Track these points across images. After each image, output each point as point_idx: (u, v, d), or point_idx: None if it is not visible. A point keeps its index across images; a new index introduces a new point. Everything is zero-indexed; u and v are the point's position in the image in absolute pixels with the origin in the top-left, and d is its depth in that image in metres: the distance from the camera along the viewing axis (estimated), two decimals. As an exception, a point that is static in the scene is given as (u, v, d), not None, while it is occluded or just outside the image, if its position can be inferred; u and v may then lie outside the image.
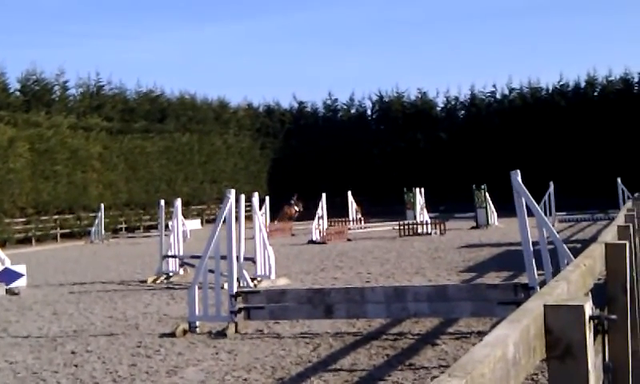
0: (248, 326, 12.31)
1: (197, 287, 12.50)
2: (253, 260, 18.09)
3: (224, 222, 12.98)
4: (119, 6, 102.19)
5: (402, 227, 33.72)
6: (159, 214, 22.58)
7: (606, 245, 4.26)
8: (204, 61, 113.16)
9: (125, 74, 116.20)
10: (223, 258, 13.08)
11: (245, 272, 16.08)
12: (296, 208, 45.66)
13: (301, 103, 67.51)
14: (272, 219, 37.77)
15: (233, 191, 13.36)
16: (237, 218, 14.54)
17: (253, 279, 16.93)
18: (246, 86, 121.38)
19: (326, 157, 61.53)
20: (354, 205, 40.70)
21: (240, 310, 12.15)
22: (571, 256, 10.45)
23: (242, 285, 15.19)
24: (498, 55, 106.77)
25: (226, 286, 12.95)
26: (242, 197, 16.92)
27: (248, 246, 18.14)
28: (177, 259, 20.70)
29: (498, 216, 36.53)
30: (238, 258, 14.68)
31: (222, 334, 11.89)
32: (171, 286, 18.83)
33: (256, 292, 12.85)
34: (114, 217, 49.33)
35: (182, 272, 20.55)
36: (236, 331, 11.98)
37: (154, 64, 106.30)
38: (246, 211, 19.84)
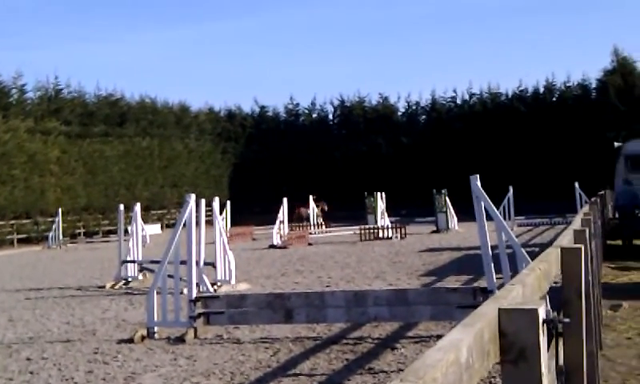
0: (207, 331, 12.22)
1: (155, 292, 12.38)
2: (213, 265, 17.98)
3: (184, 226, 12.88)
4: (78, 8, 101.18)
5: (362, 231, 33.81)
6: (118, 218, 22.35)
7: (562, 249, 4.29)
8: (165, 65, 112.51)
9: (84, 78, 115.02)
10: (183, 262, 12.97)
11: (205, 277, 15.96)
12: (321, 208, 44.58)
13: (262, 107, 67.45)
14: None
15: (193, 196, 13.27)
16: (197, 223, 14.43)
17: (213, 284, 16.81)
18: (207, 90, 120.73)
19: (287, 161, 61.47)
20: (316, 209, 40.70)
21: (199, 315, 12.07)
22: (529, 260, 10.53)
23: (201, 290, 15.06)
24: (458, 61, 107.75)
25: (185, 291, 12.85)
26: (203, 201, 16.81)
27: (208, 251, 18.03)
28: (136, 264, 20.48)
29: (458, 220, 36.79)
30: (197, 262, 14.56)
31: (180, 339, 11.80)
32: (130, 292, 18.64)
33: (216, 297, 12.77)
34: (72, 221, 48.73)
35: (141, 277, 20.35)
36: (195, 337, 11.89)
37: (114, 68, 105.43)
38: (206, 216, 19.74)
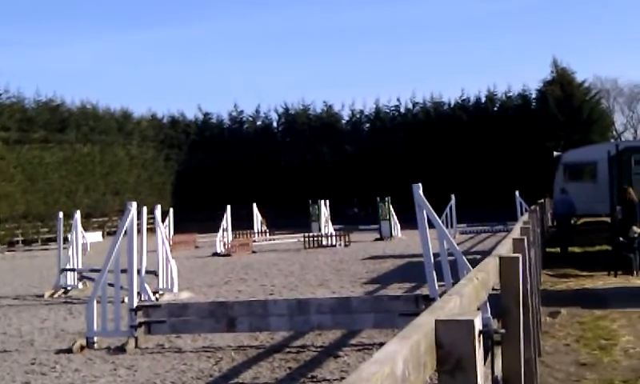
0: (148, 340, 12.07)
1: (96, 301, 12.20)
2: (155, 273, 17.78)
3: (125, 234, 12.71)
4: (18, 12, 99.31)
5: (306, 239, 33.81)
6: (58, 226, 21.95)
7: (500, 258, 4.35)
8: (106, 70, 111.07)
9: (23, 83, 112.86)
10: (124, 271, 12.81)
11: (146, 285, 15.77)
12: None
13: (206, 114, 67.01)
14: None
15: (134, 203, 13.12)
16: (139, 231, 14.26)
17: (154, 293, 16.63)
18: (149, 96, 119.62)
19: (231, 169, 61.16)
20: (259, 217, 40.58)
21: (140, 324, 11.92)
22: (470, 267, 10.64)
23: (142, 299, 14.88)
24: (402, 70, 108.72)
25: (126, 299, 12.68)
26: (145, 209, 16.62)
27: (150, 259, 17.81)
28: (75, 273, 20.14)
29: (402, 228, 37.05)
30: (139, 271, 14.37)
31: (121, 349, 11.63)
32: (69, 301, 18.31)
33: (157, 306, 12.63)
34: (11, 229, 47.71)
35: (80, 286, 20.01)
36: (136, 346, 11.73)
37: (55, 73, 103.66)
38: (149, 223, 19.51)
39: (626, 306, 13.50)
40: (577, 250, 25.91)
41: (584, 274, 18.84)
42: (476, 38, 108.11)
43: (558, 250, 25.55)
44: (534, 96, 59.87)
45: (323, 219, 37.65)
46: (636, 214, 18.54)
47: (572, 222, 29.80)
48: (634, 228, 18.31)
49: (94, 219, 53.74)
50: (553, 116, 54.38)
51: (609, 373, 8.92)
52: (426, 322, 2.26)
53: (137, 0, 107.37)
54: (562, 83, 56.66)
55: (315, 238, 34.18)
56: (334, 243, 33.68)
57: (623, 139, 64.34)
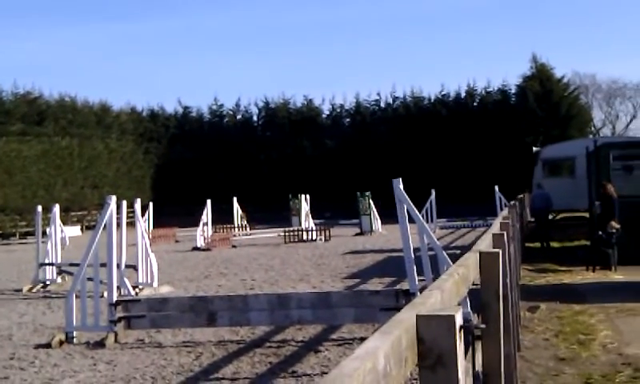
0: (128, 335, 12.02)
1: (75, 296, 12.13)
2: (134, 267, 17.70)
3: (104, 228, 12.64)
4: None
5: (287, 234, 33.81)
6: (36, 220, 21.79)
7: (480, 253, 4.36)
8: (85, 63, 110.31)
9: (0, 76, 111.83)
10: (103, 265, 12.74)
11: (126, 280, 15.70)
12: None
13: (186, 108, 66.75)
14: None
15: (114, 197, 13.03)
16: (118, 225, 14.19)
17: (134, 287, 16.57)
18: (129, 89, 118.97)
19: (211, 163, 60.97)
20: (240, 211, 40.50)
21: (120, 319, 11.87)
22: (450, 262, 10.69)
23: (122, 293, 14.83)
24: (382, 64, 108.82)
25: (105, 294, 12.62)
26: (124, 203, 16.55)
27: (130, 253, 17.72)
28: (54, 267, 20.02)
29: (382, 223, 37.13)
30: (118, 265, 14.32)
31: (100, 344, 11.57)
32: (48, 295, 18.19)
33: (137, 300, 12.58)
34: (-12, 223, 47.36)
35: (59, 280, 19.89)
36: (115, 341, 11.68)
37: (32, 65, 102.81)
38: (128, 217, 19.41)
39: (604, 300, 13.61)
40: (555, 245, 26.08)
41: (563, 268, 18.97)
42: (456, 33, 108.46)
43: (538, 244, 25.73)
44: (513, 91, 60.18)
45: (303, 214, 37.65)
46: (614, 209, 18.68)
47: (550, 217, 30.03)
48: (613, 223, 18.45)
49: (73, 213, 53.39)
50: (532, 111, 54.69)
51: (587, 367, 8.99)
52: (407, 317, 2.26)
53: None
54: (541, 79, 56.99)
55: (295, 233, 34.19)
56: (314, 238, 33.70)
57: (601, 135, 64.86)
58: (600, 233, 18.61)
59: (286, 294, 12.46)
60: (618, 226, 18.38)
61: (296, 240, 33.26)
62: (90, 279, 12.87)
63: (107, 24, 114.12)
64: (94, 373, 9.86)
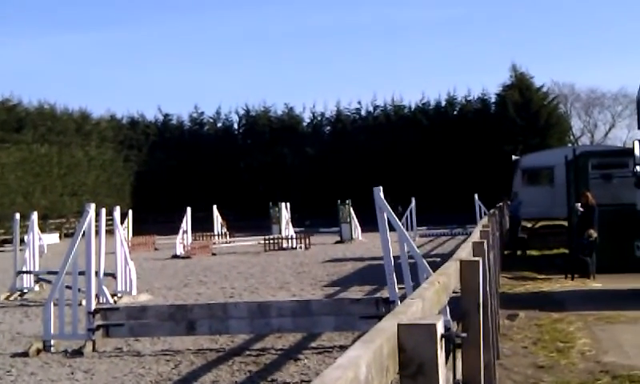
0: (106, 343, 11.93)
1: (53, 304, 12.02)
2: (113, 275, 17.59)
3: (83, 236, 12.55)
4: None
5: (267, 242, 33.75)
6: (14, 227, 21.59)
7: (461, 262, 4.37)
8: (65, 70, 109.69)
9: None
10: (82, 273, 12.65)
11: (104, 288, 15.59)
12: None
13: (166, 115, 66.58)
14: None
15: (93, 205, 12.95)
16: (97, 232, 14.09)
17: (113, 295, 16.45)
18: (108, 97, 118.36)
19: (191, 170, 60.80)
20: (220, 219, 40.40)
21: (98, 327, 11.77)
22: (430, 270, 10.71)
23: (101, 301, 14.72)
24: (363, 73, 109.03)
25: (84, 302, 12.52)
26: (103, 210, 16.42)
27: (109, 261, 17.60)
28: (32, 275, 19.83)
29: (362, 231, 37.15)
30: (97, 273, 14.20)
31: (78, 352, 11.47)
32: (26, 303, 18.02)
33: (115, 309, 12.49)
34: (-34, 230, 46.88)
35: (37, 288, 19.69)
36: (94, 349, 11.58)
37: (11, 72, 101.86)
38: (107, 225, 19.28)
39: (583, 308, 13.69)
40: (535, 253, 26.22)
41: (542, 277, 19.06)
42: (436, 42, 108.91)
43: (519, 253, 25.97)
44: (493, 100, 60.55)
45: (284, 221, 37.62)
46: (593, 218, 18.79)
47: (529, 225, 30.20)
48: (591, 231, 18.57)
49: (51, 221, 53.02)
50: (512, 120, 55.01)
51: (566, 375, 9.03)
52: (388, 326, 2.25)
53: (92, 0, 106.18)
54: (520, 88, 57.36)
55: (276, 241, 34.14)
56: (294, 246, 33.66)
57: (580, 144, 65.31)
58: (579, 240, 18.73)
59: (266, 302, 12.44)
60: (595, 235, 18.49)
61: (276, 248, 33.21)
62: (68, 287, 12.76)
63: (87, 31, 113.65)
64: (71, 382, 9.77)
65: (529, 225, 30.49)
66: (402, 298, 10.14)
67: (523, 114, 55.42)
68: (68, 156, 57.44)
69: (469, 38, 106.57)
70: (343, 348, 10.39)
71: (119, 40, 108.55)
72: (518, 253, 25.72)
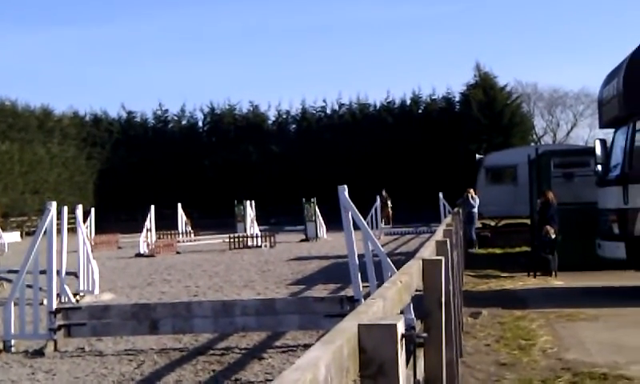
0: (68, 343, 11.80)
1: (13, 303, 11.85)
2: (75, 274, 17.39)
3: (44, 234, 12.39)
4: None
5: (232, 240, 33.63)
6: (-26, 226, 21.28)
7: (423, 261, 4.38)
8: (26, 66, 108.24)
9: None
10: (43, 272, 12.48)
11: (66, 287, 15.42)
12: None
13: (130, 113, 66.07)
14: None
15: (54, 203, 12.78)
16: (59, 231, 13.93)
17: (75, 294, 16.27)
18: (71, 94, 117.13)
19: (155, 168, 60.40)
20: (184, 217, 40.19)
21: (60, 327, 11.64)
22: (394, 269, 10.74)
23: (62, 301, 14.56)
24: (328, 71, 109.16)
25: (45, 301, 12.37)
26: (65, 208, 16.27)
27: (71, 260, 17.41)
28: (-7, 274, 19.55)
29: (328, 229, 37.19)
30: (58, 272, 14.05)
31: (39, 352, 11.33)
32: (-14, 303, 17.74)
33: (77, 308, 12.35)
34: None
35: (-2, 287, 19.43)
36: (55, 349, 11.45)
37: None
38: (69, 223, 19.10)
39: (545, 306, 13.83)
40: (498, 251, 26.45)
41: (505, 275, 19.22)
42: (401, 40, 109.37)
43: (483, 251, 26.22)
44: (457, 99, 61.00)
45: (249, 220, 37.51)
46: (549, 216, 18.99)
47: (493, 223, 30.50)
48: (547, 228, 18.79)
49: (12, 219, 52.35)
50: (476, 119, 55.41)
51: (528, 372, 9.11)
52: (349, 326, 2.25)
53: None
54: (484, 87, 57.80)
55: (240, 239, 34.03)
56: (259, 244, 33.58)
57: (543, 143, 66.04)
58: (539, 238, 18.95)
59: (231, 301, 12.38)
60: (552, 232, 18.69)
61: (241, 246, 33.10)
62: (29, 286, 12.60)
63: (49, 28, 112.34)
64: (32, 382, 9.65)
65: (492, 223, 30.78)
66: (367, 296, 10.17)
67: (487, 113, 55.86)
68: (30, 153, 56.71)
69: (433, 37, 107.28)
70: (307, 346, 10.38)
71: (82, 37, 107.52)
72: (473, 250, 25.95)
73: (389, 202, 43.69)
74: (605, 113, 17.30)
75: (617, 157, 15.63)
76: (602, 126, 18.20)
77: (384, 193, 43.07)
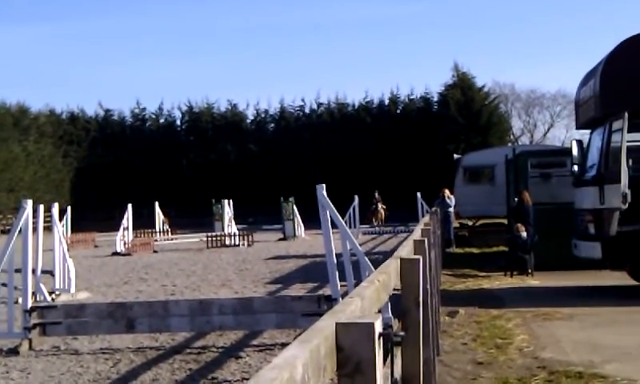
0: (43, 342, 11.71)
1: (-13, 302, 11.74)
2: (51, 273, 17.25)
3: (20, 233, 12.28)
4: None
5: (209, 239, 33.54)
6: (-52, 223, 21.06)
7: (401, 260, 4.38)
8: (1, 64, 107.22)
9: None
10: (18, 271, 12.37)
11: (42, 286, 15.28)
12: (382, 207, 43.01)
13: (107, 111, 65.70)
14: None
15: (30, 201, 12.67)
16: (34, 229, 13.81)
17: (50, 293, 16.14)
18: (47, 91, 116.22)
19: (133, 167, 60.11)
20: (161, 216, 40.01)
21: (35, 325, 11.55)
22: (372, 268, 10.74)
23: (38, 299, 14.43)
24: (306, 70, 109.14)
25: (20, 300, 12.26)
26: (41, 207, 16.13)
27: (46, 259, 17.26)
28: (-33, 272, 19.34)
29: (305, 228, 37.17)
30: (34, 270, 13.92)
31: (14, 351, 11.23)
32: (-40, 302, 17.56)
33: (53, 307, 12.26)
34: None
35: (-28, 286, 19.23)
36: (30, 348, 11.35)
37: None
38: (45, 222, 18.94)
39: (521, 305, 13.90)
40: (475, 250, 26.57)
41: (482, 274, 19.31)
42: (380, 40, 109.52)
43: (460, 250, 26.34)
44: (435, 99, 61.29)
45: (226, 218, 37.42)
46: (527, 216, 19.12)
47: (470, 223, 30.65)
48: (519, 226, 18.94)
49: (-12, 217, 51.90)
50: (454, 119, 55.67)
51: (504, 371, 9.16)
52: (326, 325, 2.24)
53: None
54: (462, 87, 58.08)
55: (218, 238, 33.94)
56: (237, 243, 33.53)
57: (520, 143, 66.45)
58: (510, 236, 19.10)
59: (208, 300, 12.35)
60: (523, 231, 18.85)
61: (219, 245, 33.02)
62: (3, 285, 12.50)
63: (25, 24, 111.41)
64: (6, 381, 9.56)
65: (469, 223, 30.92)
66: (344, 295, 10.17)
67: (465, 114, 56.13)
68: (5, 151, 56.24)
69: (412, 36, 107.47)
70: (285, 345, 10.35)
71: (59, 33, 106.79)
72: (450, 250, 26.06)
73: (379, 205, 43.62)
74: (581, 114, 17.43)
75: (593, 157, 15.75)
76: (579, 126, 18.34)
77: (377, 195, 43.17)
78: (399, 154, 56.20)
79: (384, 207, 43.44)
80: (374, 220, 41.14)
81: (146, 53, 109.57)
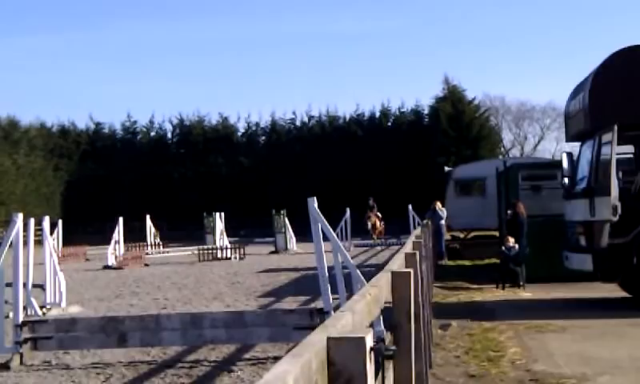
0: (35, 357, 11.65)
1: (-22, 317, 11.67)
2: (42, 287, 17.19)
3: (10, 246, 12.24)
4: None
5: (201, 252, 33.47)
6: (-62, 238, 20.94)
7: (392, 273, 4.39)
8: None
9: None
10: (9, 285, 12.33)
11: (33, 300, 15.23)
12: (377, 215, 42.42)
13: (98, 124, 65.46)
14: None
15: (20, 215, 12.64)
16: (25, 243, 13.76)
17: (41, 307, 16.07)
18: (38, 104, 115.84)
19: (124, 180, 59.93)
20: (153, 229, 39.91)
21: (26, 340, 11.49)
22: (364, 281, 10.75)
23: (29, 313, 14.37)
24: (298, 83, 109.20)
25: (11, 314, 12.21)
26: (32, 220, 16.07)
27: (37, 272, 17.20)
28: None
29: (298, 241, 37.11)
30: (25, 284, 13.87)
31: (5, 366, 11.18)
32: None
33: (44, 321, 12.22)
34: None
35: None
36: (21, 363, 11.30)
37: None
38: (36, 235, 18.87)
39: (513, 317, 13.92)
40: (467, 263, 26.59)
41: (474, 286, 19.33)
42: (370, 53, 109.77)
43: (451, 263, 26.34)
44: (426, 112, 61.38)
45: (218, 231, 37.36)
46: (520, 228, 19.16)
47: (462, 236, 30.67)
48: (509, 237, 18.99)
49: (-22, 231, 51.61)
50: (444, 132, 55.73)
51: None
52: (317, 339, 2.24)
53: (21, 5, 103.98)
54: (453, 100, 58.16)
55: (210, 251, 33.87)
56: (228, 256, 33.46)
57: (511, 156, 66.64)
58: (502, 249, 19.12)
59: (199, 314, 12.32)
60: (512, 242, 18.90)
61: (210, 258, 32.95)
62: (-6, 299, 12.43)
63: (15, 37, 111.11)
64: (-3, 397, 9.51)
65: (461, 235, 30.95)
66: (336, 308, 10.17)
67: (455, 126, 56.21)
68: (-5, 164, 56.06)
69: (402, 50, 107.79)
70: (277, 359, 10.35)
71: (49, 46, 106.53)
72: (442, 262, 26.08)
73: (374, 215, 43.09)
74: (571, 126, 17.52)
75: (583, 170, 15.81)
76: (569, 139, 18.43)
77: (371, 201, 42.66)
78: (390, 166, 56.23)
79: (379, 215, 43.19)
80: (374, 236, 40.92)
81: (136, 66, 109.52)
